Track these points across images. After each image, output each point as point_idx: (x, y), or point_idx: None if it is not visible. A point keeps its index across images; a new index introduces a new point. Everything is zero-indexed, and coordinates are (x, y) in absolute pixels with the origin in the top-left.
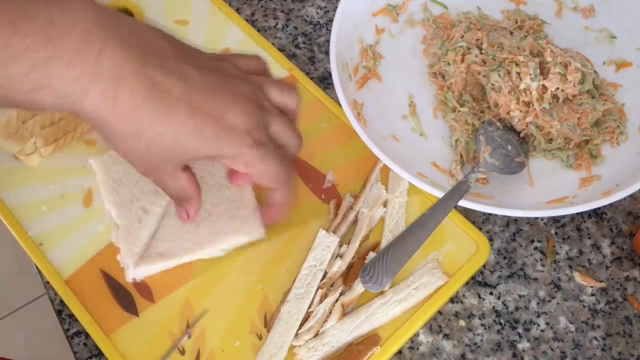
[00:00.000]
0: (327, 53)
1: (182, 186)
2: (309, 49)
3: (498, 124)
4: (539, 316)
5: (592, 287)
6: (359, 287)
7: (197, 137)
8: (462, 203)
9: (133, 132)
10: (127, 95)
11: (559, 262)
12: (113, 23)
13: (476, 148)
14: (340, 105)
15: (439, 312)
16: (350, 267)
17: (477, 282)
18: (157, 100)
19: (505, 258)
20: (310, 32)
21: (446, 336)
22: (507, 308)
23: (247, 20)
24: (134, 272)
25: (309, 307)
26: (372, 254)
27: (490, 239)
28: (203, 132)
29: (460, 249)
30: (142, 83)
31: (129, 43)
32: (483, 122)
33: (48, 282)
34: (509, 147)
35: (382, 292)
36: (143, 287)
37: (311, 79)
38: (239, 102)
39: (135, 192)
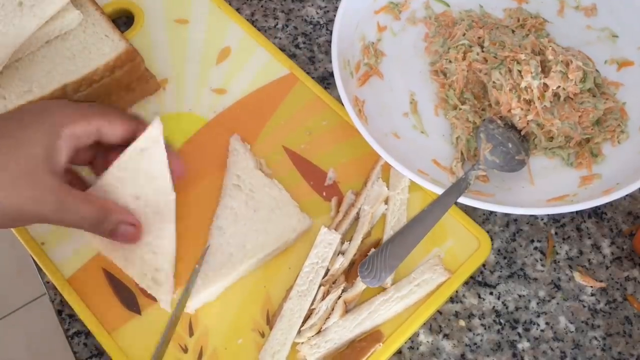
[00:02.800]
0: (327, 53)
1: (84, 213)
2: (309, 49)
3: (499, 121)
4: (539, 316)
5: (592, 287)
6: (361, 284)
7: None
8: (463, 200)
9: None
10: None
11: (559, 262)
12: None
13: (477, 146)
14: (342, 103)
15: (439, 312)
16: (352, 264)
17: (477, 282)
18: None
19: (505, 258)
20: (310, 32)
21: (446, 336)
22: (507, 308)
23: (247, 20)
24: (194, 303)
25: (312, 304)
26: (373, 251)
27: (490, 239)
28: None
29: (461, 246)
30: None
31: None
32: (484, 119)
33: (48, 282)
34: (510, 145)
35: (384, 289)
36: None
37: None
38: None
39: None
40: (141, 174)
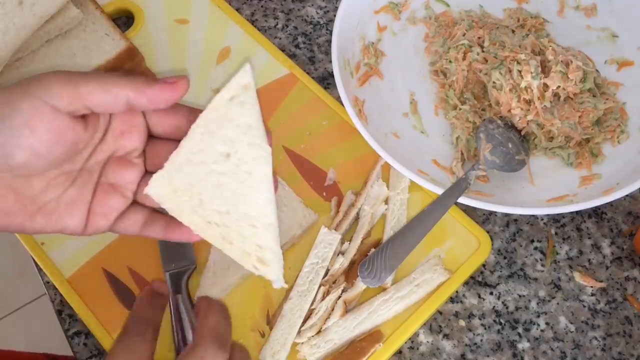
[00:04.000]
0: (327, 53)
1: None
2: (309, 49)
3: (499, 121)
4: (539, 316)
5: (592, 287)
6: (361, 284)
7: None
8: (463, 200)
9: None
10: None
11: (559, 262)
12: None
13: (477, 146)
14: (341, 103)
15: (439, 312)
16: (352, 264)
17: (477, 282)
18: None
19: (505, 258)
20: (310, 32)
21: (446, 336)
22: (507, 308)
23: (247, 20)
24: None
25: (312, 304)
26: (373, 251)
27: (490, 239)
28: None
29: (461, 246)
30: None
31: None
32: (484, 119)
33: (48, 282)
34: (510, 145)
35: (384, 289)
36: (145, 286)
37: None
38: None
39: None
40: (231, 125)
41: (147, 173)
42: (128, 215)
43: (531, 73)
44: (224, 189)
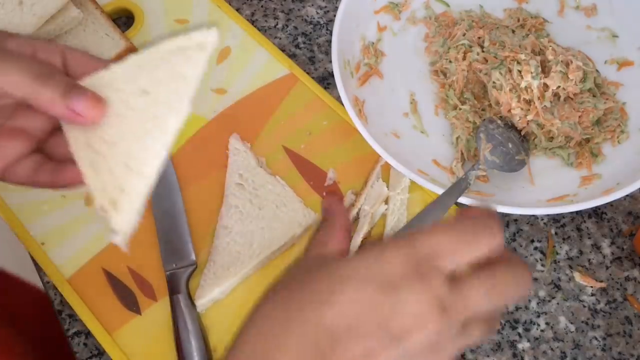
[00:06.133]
0: (327, 53)
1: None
2: (309, 49)
3: (499, 121)
4: (539, 316)
5: (592, 287)
6: None
7: None
8: (463, 200)
9: None
10: None
11: (559, 262)
12: None
13: (477, 146)
14: (342, 103)
15: None
16: None
17: None
18: None
19: None
20: (310, 32)
21: None
22: (507, 308)
23: (247, 20)
24: (204, 302)
25: None
26: None
27: None
28: None
29: None
30: None
31: None
32: (484, 119)
33: (48, 282)
34: (510, 145)
35: None
36: (146, 286)
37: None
38: None
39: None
40: (166, 69)
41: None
42: (24, 161)
43: (531, 73)
44: (124, 121)
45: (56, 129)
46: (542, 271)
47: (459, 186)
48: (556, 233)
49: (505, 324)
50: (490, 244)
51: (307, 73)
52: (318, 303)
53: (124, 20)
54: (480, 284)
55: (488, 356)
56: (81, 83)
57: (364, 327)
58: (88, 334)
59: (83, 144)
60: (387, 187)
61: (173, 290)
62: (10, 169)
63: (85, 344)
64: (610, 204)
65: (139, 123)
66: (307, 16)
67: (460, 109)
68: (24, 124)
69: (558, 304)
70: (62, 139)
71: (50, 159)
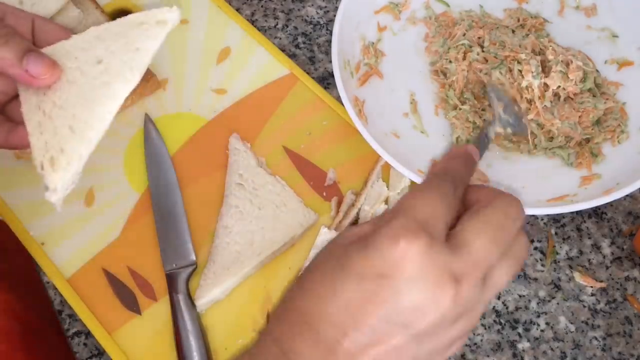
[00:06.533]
0: (327, 53)
1: None
2: (309, 49)
3: (506, 84)
4: (539, 316)
5: (592, 287)
6: None
7: None
8: None
9: None
10: None
11: (559, 262)
12: None
13: (490, 103)
14: (342, 103)
15: None
16: None
17: None
18: None
19: None
20: (310, 32)
21: None
22: (507, 308)
23: (247, 20)
24: (204, 302)
25: None
26: None
27: None
28: None
29: None
30: None
31: None
32: (484, 119)
33: (48, 282)
34: (516, 107)
35: None
36: (146, 286)
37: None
38: None
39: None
40: (122, 42)
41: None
42: None
43: (532, 72)
44: (75, 86)
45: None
46: (542, 271)
47: (482, 142)
48: (556, 233)
49: (505, 324)
50: (465, 182)
51: (307, 73)
52: (321, 297)
53: None
54: (479, 230)
55: (488, 356)
56: (43, 50)
57: (370, 321)
58: (88, 334)
59: (34, 106)
60: (387, 187)
61: (173, 290)
62: None
63: (85, 344)
64: (610, 204)
65: (89, 89)
66: (307, 16)
67: (460, 109)
68: None
69: (558, 304)
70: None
71: (9, 121)
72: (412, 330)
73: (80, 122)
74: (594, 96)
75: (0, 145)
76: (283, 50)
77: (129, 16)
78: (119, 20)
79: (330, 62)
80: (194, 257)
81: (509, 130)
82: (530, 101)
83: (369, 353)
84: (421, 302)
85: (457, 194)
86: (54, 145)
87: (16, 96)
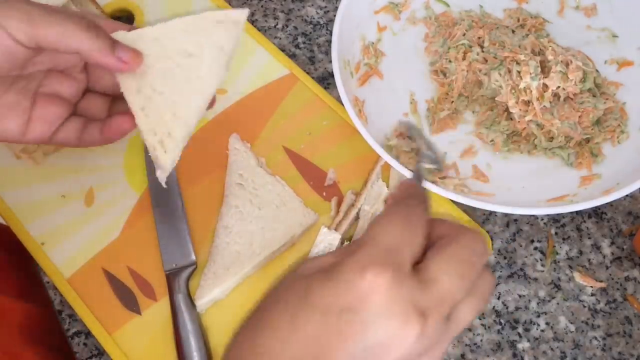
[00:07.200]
0: (327, 53)
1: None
2: (308, 49)
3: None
4: (539, 316)
5: (592, 287)
6: None
7: None
8: (464, 200)
9: None
10: None
11: (559, 262)
12: None
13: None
14: (341, 103)
15: None
16: None
17: None
18: None
19: (505, 258)
20: (310, 32)
21: None
22: (507, 308)
23: (247, 20)
24: (205, 302)
25: None
26: None
27: (491, 239)
28: None
29: None
30: None
31: None
32: (400, 121)
33: (48, 282)
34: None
35: None
36: (146, 286)
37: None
38: None
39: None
40: (208, 38)
41: (90, 92)
42: (67, 124)
43: (530, 74)
44: (170, 76)
45: (84, 93)
46: (542, 271)
47: (418, 176)
48: (556, 233)
49: (505, 324)
50: (427, 213)
51: (307, 73)
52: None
53: (124, 20)
54: (446, 265)
55: (488, 356)
56: (119, 37)
57: (334, 357)
58: (88, 334)
59: (134, 90)
60: (387, 187)
61: (173, 290)
62: (60, 135)
63: (85, 344)
64: (610, 204)
65: (184, 79)
66: (307, 16)
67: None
68: (56, 89)
69: (558, 304)
70: (89, 101)
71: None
72: None
73: (181, 108)
74: (593, 96)
75: (98, 143)
76: (283, 50)
77: (209, 13)
78: (201, 15)
79: (330, 62)
80: (194, 257)
81: (432, 166)
82: (528, 102)
83: None
84: (387, 337)
85: (421, 217)
86: (161, 128)
87: (83, 95)
